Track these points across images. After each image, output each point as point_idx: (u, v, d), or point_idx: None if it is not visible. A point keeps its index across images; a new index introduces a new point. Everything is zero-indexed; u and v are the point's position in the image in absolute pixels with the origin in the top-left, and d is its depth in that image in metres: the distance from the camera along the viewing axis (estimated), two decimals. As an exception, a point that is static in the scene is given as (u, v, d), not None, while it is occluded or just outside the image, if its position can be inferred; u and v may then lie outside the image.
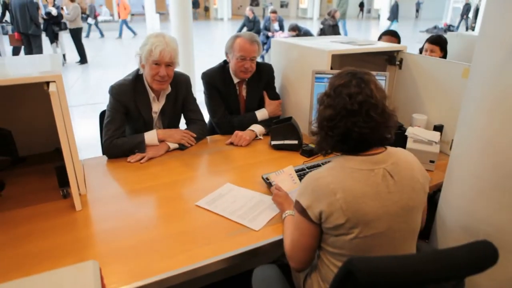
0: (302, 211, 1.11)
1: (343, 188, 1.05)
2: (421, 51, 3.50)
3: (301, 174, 1.70)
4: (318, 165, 1.80)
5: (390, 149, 1.17)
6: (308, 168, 1.78)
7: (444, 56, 3.30)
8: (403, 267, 0.84)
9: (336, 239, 1.09)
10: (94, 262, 0.93)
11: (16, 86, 1.33)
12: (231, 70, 2.30)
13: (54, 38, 8.60)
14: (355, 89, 1.10)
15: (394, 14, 15.45)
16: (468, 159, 1.38)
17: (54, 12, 8.19)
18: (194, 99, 2.25)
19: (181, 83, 2.14)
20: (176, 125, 2.23)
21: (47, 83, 1.36)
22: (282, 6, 27.55)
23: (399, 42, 3.35)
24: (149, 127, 2.08)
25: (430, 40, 3.32)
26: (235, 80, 2.33)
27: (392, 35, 3.39)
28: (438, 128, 2.04)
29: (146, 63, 1.94)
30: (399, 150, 1.19)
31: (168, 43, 1.92)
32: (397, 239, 1.11)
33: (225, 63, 2.35)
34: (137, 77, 2.02)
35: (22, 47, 7.89)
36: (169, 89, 2.08)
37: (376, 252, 1.09)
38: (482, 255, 0.89)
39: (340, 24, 9.37)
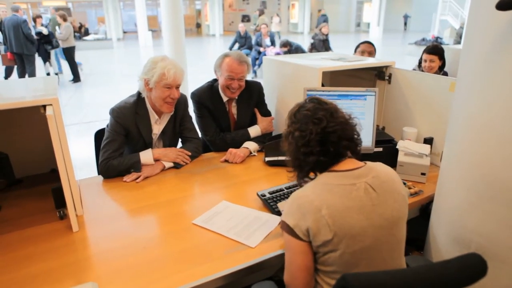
0: (289, 230, 1.13)
1: (327, 204, 1.09)
2: (420, 62, 3.55)
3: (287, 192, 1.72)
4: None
5: (370, 163, 1.22)
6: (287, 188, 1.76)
7: (443, 64, 3.37)
8: (395, 282, 0.87)
9: (327, 256, 1.11)
10: (93, 284, 0.94)
11: (13, 109, 1.35)
12: (220, 88, 2.33)
13: (47, 58, 8.63)
14: (310, 104, 1.26)
15: None
16: (458, 171, 1.42)
17: (45, 31, 8.23)
18: (190, 118, 2.28)
19: (180, 102, 2.16)
20: (175, 145, 2.26)
21: (44, 106, 1.37)
22: (273, 21, 27.89)
23: (374, 50, 3.45)
24: (149, 148, 2.09)
25: (428, 51, 3.38)
26: (224, 99, 2.35)
27: (369, 43, 3.50)
28: (428, 141, 2.08)
29: (156, 87, 1.95)
30: (378, 164, 1.24)
31: (177, 66, 1.97)
32: (385, 251, 1.14)
33: (214, 81, 2.37)
34: (138, 100, 2.04)
35: (15, 67, 7.90)
36: (172, 111, 2.11)
37: (366, 266, 1.11)
38: (472, 268, 0.92)
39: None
